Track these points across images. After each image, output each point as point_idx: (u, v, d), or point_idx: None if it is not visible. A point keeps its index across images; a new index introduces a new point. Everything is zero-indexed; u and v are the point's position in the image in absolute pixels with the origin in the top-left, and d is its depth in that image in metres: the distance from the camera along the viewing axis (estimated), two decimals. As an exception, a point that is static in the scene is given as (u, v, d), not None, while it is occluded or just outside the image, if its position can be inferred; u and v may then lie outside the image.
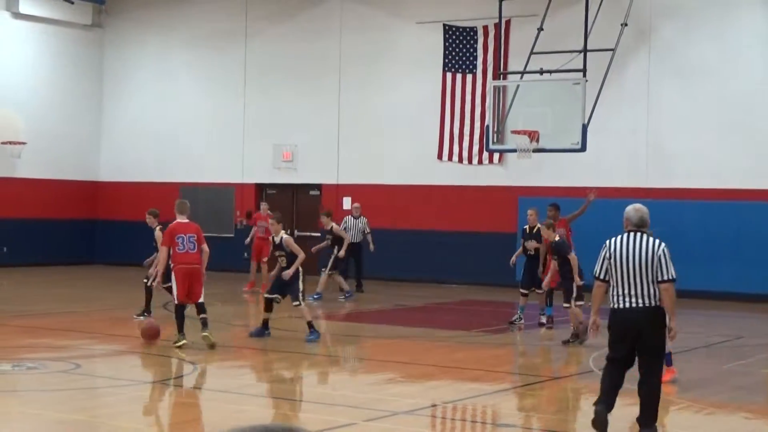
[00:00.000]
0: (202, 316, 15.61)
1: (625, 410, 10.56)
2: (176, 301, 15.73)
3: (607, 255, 10.03)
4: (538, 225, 18.77)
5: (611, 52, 23.95)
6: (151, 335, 15.93)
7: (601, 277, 10.07)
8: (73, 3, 31.74)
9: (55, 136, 32.32)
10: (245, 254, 26.88)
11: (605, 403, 10.01)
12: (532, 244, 18.85)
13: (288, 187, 31.17)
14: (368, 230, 25.97)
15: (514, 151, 23.41)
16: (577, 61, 23.08)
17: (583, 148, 22.61)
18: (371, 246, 25.50)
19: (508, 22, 26.83)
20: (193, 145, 32.32)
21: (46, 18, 32.01)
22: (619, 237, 10.11)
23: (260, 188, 31.64)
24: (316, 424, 10.65)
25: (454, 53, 28.42)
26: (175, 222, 15.94)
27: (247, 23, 31.59)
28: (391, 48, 29.57)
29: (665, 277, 9.89)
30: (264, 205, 25.62)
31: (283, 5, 31.05)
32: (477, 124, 28.01)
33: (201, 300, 15.70)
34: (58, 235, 32.38)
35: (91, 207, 33.46)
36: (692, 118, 25.69)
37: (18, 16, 31.44)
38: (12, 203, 30.90)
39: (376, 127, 29.57)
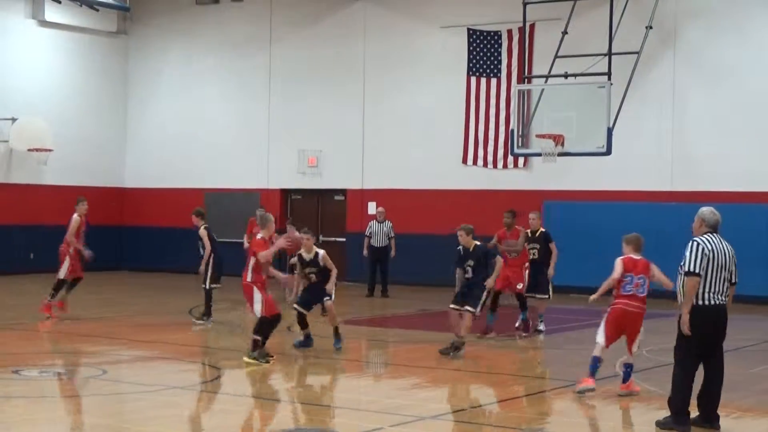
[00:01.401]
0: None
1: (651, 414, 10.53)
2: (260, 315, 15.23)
3: (706, 251, 10.43)
4: (541, 229, 18.84)
5: (636, 55, 23.87)
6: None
7: (699, 272, 10.42)
8: (98, 10, 31.88)
9: (80, 143, 32.48)
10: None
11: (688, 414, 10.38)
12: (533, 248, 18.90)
13: (313, 193, 31.21)
14: (393, 235, 26.02)
15: (539, 155, 23.35)
16: (602, 65, 23.00)
17: (608, 152, 22.53)
18: (393, 251, 25.54)
19: (532, 26, 26.78)
20: (218, 151, 32.40)
21: (71, 26, 32.18)
22: (708, 236, 10.59)
23: (285, 194, 31.69)
24: (345, 429, 10.72)
25: (478, 57, 28.40)
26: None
27: (272, 28, 31.67)
28: (415, 52, 29.57)
29: (736, 279, 10.73)
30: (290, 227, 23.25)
31: (306, 10, 31.11)
32: (502, 128, 27.98)
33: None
34: (84, 242, 32.43)
35: (117, 213, 33.57)
36: (718, 121, 25.60)
37: (44, 24, 31.62)
38: (39, 210, 31.05)
39: (400, 131, 29.57)
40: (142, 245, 33.29)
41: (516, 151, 24.43)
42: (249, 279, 14.94)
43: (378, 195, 29.40)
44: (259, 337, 14.96)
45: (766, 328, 21.04)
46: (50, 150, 30.51)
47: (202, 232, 19.62)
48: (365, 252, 26.28)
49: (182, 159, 32.93)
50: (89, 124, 33.00)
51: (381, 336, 19.46)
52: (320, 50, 30.87)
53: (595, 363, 12.77)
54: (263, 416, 11.90)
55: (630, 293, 12.81)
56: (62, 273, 19.89)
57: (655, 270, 12.93)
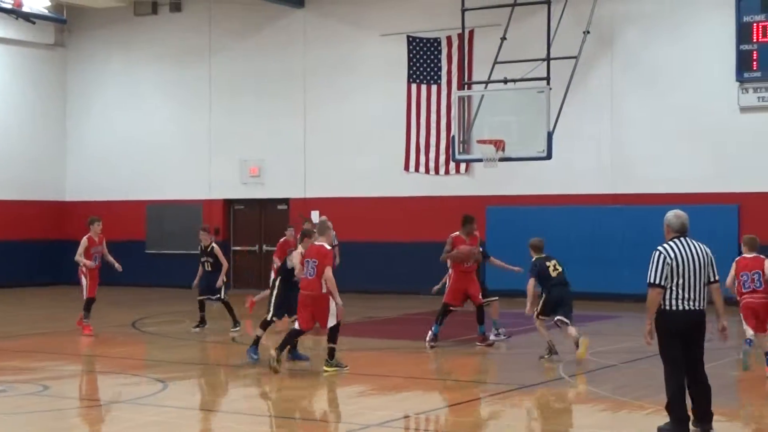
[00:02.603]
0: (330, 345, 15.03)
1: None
2: (297, 326, 15.14)
3: (668, 260, 10.17)
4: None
5: (574, 60, 24.07)
6: None
7: (661, 283, 10.18)
8: (34, 23, 31.55)
9: (19, 157, 32.17)
10: None
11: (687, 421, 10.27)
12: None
13: (256, 203, 31.11)
14: (336, 243, 25.92)
15: (480, 160, 23.47)
16: (541, 70, 23.18)
17: (548, 156, 22.69)
18: (337, 260, 25.47)
19: (471, 33, 26.90)
20: (160, 163, 32.21)
21: (7, 39, 31.86)
22: (672, 243, 10.32)
23: (228, 204, 31.57)
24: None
25: (418, 64, 28.47)
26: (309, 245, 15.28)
27: (211, 39, 31.55)
28: (355, 61, 29.59)
29: (717, 278, 10.44)
30: (290, 231, 21.87)
31: (246, 21, 31.02)
32: (443, 135, 28.07)
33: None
34: (23, 257, 32.17)
35: (57, 227, 33.21)
36: (655, 124, 25.85)
37: (-21, 37, 31.29)
38: (-23, 226, 30.70)
39: (342, 139, 29.58)
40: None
41: (457, 157, 24.55)
42: (324, 290, 14.78)
43: (321, 203, 29.36)
44: (334, 345, 14.97)
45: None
46: (-12, 165, 30.16)
47: (218, 249, 20.29)
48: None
49: (123, 171, 32.68)
50: (28, 138, 32.68)
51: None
52: (261, 60, 30.80)
53: None
54: (206, 429, 11.82)
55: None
56: (85, 293, 19.88)
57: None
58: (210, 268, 20.29)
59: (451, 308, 17.78)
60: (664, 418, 10.42)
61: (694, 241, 10.38)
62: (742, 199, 24.95)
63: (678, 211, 10.52)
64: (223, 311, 20.18)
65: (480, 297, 17.73)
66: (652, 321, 10.31)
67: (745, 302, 14.28)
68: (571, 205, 26.44)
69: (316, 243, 15.03)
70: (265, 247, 29.61)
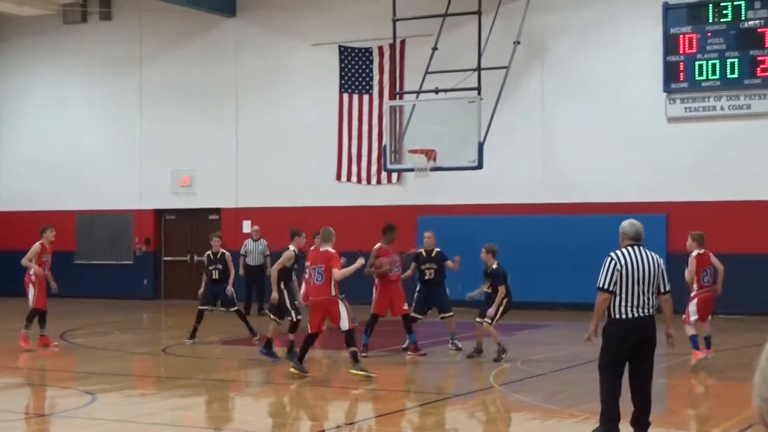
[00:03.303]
0: (351, 349, 15.16)
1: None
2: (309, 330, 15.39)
3: (618, 267, 10.25)
4: (436, 249, 18.48)
5: (505, 70, 24.24)
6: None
7: (610, 288, 10.27)
8: (-39, 31, 31.19)
9: (-54, 167, 31.71)
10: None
11: (616, 421, 10.33)
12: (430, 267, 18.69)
13: (187, 212, 30.94)
14: (268, 253, 25.95)
15: (412, 170, 23.54)
16: (472, 80, 23.33)
17: (479, 166, 22.82)
18: (269, 270, 25.39)
19: (402, 42, 27.00)
20: (90, 172, 31.92)
21: (-66, 46, 31.43)
22: (624, 250, 10.39)
23: (159, 214, 31.37)
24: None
25: (350, 74, 28.51)
26: (313, 249, 15.89)
27: (142, 48, 31.35)
28: (287, 70, 29.56)
29: (667, 289, 10.47)
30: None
31: (177, 30, 30.85)
32: (375, 144, 28.11)
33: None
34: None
35: (-15, 237, 32.77)
36: (585, 134, 26.11)
37: None
38: None
39: (274, 149, 29.52)
40: (12, 270, 32.48)
41: (389, 166, 24.61)
42: (333, 294, 15.01)
43: (253, 213, 29.28)
44: (356, 349, 15.06)
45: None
46: None
47: (228, 256, 20.11)
48: (241, 271, 26.12)
49: (53, 181, 32.36)
50: (-45, 147, 32.25)
51: (257, 355, 19.32)
52: (192, 69, 30.66)
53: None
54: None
55: None
56: (31, 303, 19.36)
57: None
58: (218, 277, 19.98)
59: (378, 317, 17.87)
60: (594, 425, 10.51)
61: (647, 250, 10.48)
62: (670, 208, 25.27)
63: (633, 220, 10.63)
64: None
65: (404, 308, 17.74)
66: (596, 323, 10.44)
67: (702, 296, 15.68)
68: (503, 215, 26.60)
69: (321, 249, 15.39)
70: (196, 257, 29.42)
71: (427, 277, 18.26)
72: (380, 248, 17.97)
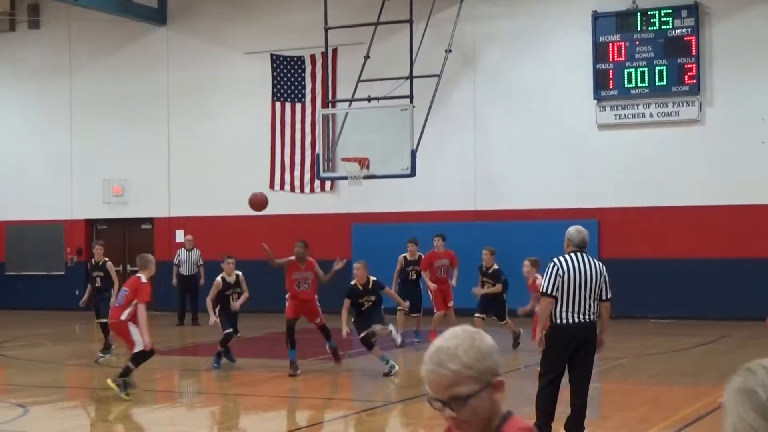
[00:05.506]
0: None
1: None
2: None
3: (560, 272, 10.35)
4: (371, 279, 17.91)
5: (437, 78, 24.36)
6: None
7: (553, 293, 10.38)
8: None
9: None
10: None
11: (550, 425, 10.38)
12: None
13: (119, 222, 30.69)
14: (201, 262, 25.87)
15: (345, 178, 23.56)
16: (404, 88, 23.41)
17: (412, 174, 22.90)
18: (202, 280, 25.33)
19: (335, 51, 27.02)
20: (20, 182, 31.54)
21: None
22: (567, 256, 10.49)
23: (90, 224, 31.09)
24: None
25: (282, 82, 28.49)
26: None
27: (71, 57, 31.06)
28: (219, 79, 29.45)
29: (608, 296, 10.64)
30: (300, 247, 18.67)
31: (107, 38, 30.59)
32: (308, 153, 28.10)
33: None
34: None
35: None
36: (517, 141, 26.31)
37: None
38: None
39: (207, 158, 29.39)
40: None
41: (322, 175, 24.62)
42: (123, 317, 14.61)
43: (186, 223, 29.13)
44: (133, 366, 14.68)
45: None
46: None
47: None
48: (174, 281, 26.02)
49: (-19, 191, 31.93)
50: None
51: (192, 365, 19.25)
52: (123, 78, 30.41)
53: None
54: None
55: None
56: None
57: None
58: (100, 284, 19.85)
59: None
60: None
61: (590, 258, 10.61)
62: (601, 214, 25.53)
63: (580, 227, 10.76)
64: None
65: (319, 320, 17.32)
66: (543, 328, 10.55)
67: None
68: (436, 222, 26.68)
69: (137, 275, 15.18)
70: (129, 268, 29.19)
71: (364, 308, 17.20)
72: (291, 263, 17.59)
